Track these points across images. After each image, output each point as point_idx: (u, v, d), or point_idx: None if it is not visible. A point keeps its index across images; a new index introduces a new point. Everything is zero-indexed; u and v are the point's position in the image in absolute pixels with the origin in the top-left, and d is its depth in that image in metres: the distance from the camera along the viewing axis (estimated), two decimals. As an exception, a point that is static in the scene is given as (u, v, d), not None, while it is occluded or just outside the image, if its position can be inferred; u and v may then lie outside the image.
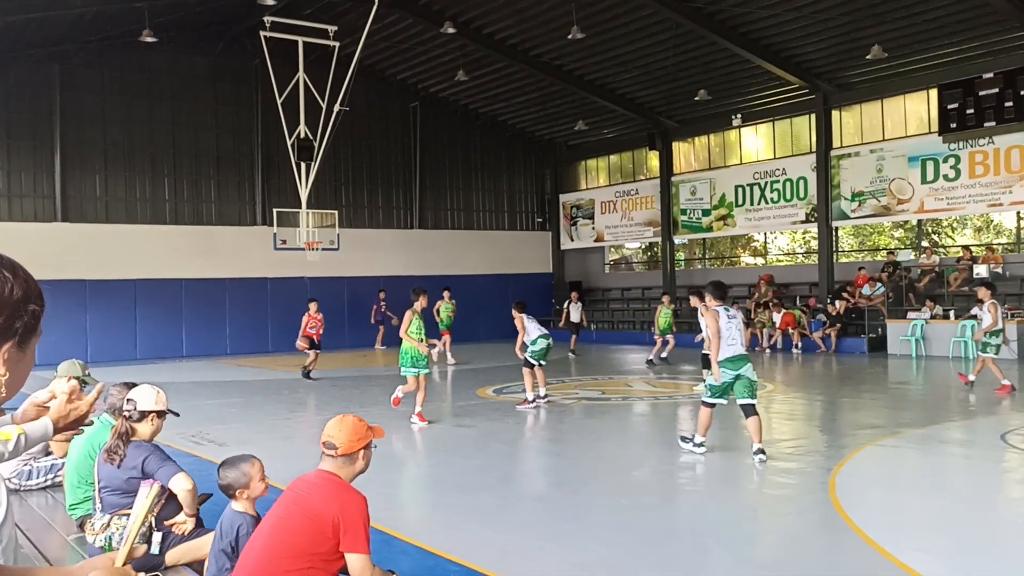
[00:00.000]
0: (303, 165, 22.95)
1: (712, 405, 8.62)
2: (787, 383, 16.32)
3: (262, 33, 21.51)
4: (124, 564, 2.29)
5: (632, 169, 30.53)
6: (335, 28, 22.08)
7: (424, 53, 25.74)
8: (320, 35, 22.20)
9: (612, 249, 33.09)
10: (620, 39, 23.27)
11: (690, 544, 6.04)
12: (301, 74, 22.36)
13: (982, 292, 13.56)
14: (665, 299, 20.70)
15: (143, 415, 4.82)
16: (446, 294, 22.18)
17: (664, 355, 19.85)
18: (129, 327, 24.15)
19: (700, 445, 8.70)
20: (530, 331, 12.76)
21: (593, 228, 31.32)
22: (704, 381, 8.83)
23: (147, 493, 4.41)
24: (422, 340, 11.01)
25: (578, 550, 6.02)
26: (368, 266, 27.77)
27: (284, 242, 23.39)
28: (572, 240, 32.24)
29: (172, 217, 25.12)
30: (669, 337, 19.83)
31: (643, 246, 32.70)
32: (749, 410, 8.41)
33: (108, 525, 4.70)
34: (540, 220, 32.56)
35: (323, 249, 23.54)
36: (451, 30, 21.53)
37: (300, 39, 22.13)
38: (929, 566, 5.26)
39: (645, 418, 12.62)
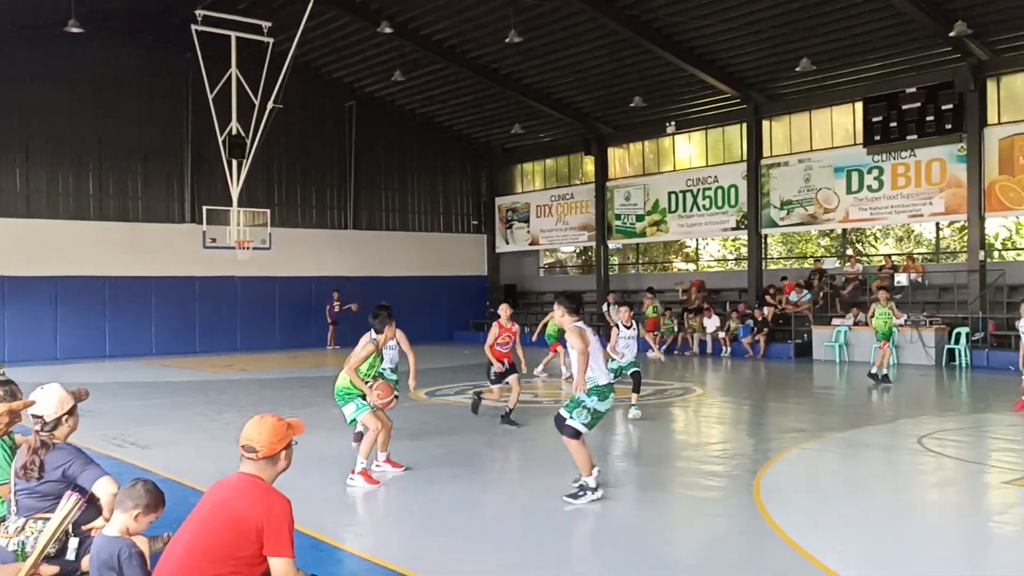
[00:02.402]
0: (235, 162, 22.56)
1: (580, 434, 7.12)
2: (716, 387, 16.61)
3: (194, 27, 21.05)
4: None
5: (568, 173, 30.74)
6: (269, 24, 21.75)
7: (361, 52, 25.53)
8: (254, 30, 21.84)
9: (547, 253, 33.25)
10: (557, 44, 23.41)
11: (616, 547, 6.09)
12: (234, 70, 21.97)
13: None
14: (611, 297, 19.88)
15: (56, 423, 4.66)
16: None
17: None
18: (49, 325, 23.40)
19: (596, 489, 7.08)
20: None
21: (528, 231, 31.43)
22: (582, 404, 7.05)
23: (66, 505, 4.27)
24: (368, 383, 8.11)
25: (506, 553, 6.03)
26: (301, 266, 27.41)
27: (214, 240, 22.94)
28: (507, 243, 32.30)
29: (97, 212, 24.42)
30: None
31: (577, 250, 32.93)
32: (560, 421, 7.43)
33: (23, 529, 4.53)
34: (475, 223, 32.55)
35: (254, 248, 23.16)
36: (388, 30, 21.38)
37: (233, 34, 21.74)
38: (848, 568, 5.39)
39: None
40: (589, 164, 29.37)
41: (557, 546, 6.08)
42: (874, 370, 15.91)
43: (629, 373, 11.88)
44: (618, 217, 28.53)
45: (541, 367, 17.60)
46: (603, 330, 18.96)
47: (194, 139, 25.31)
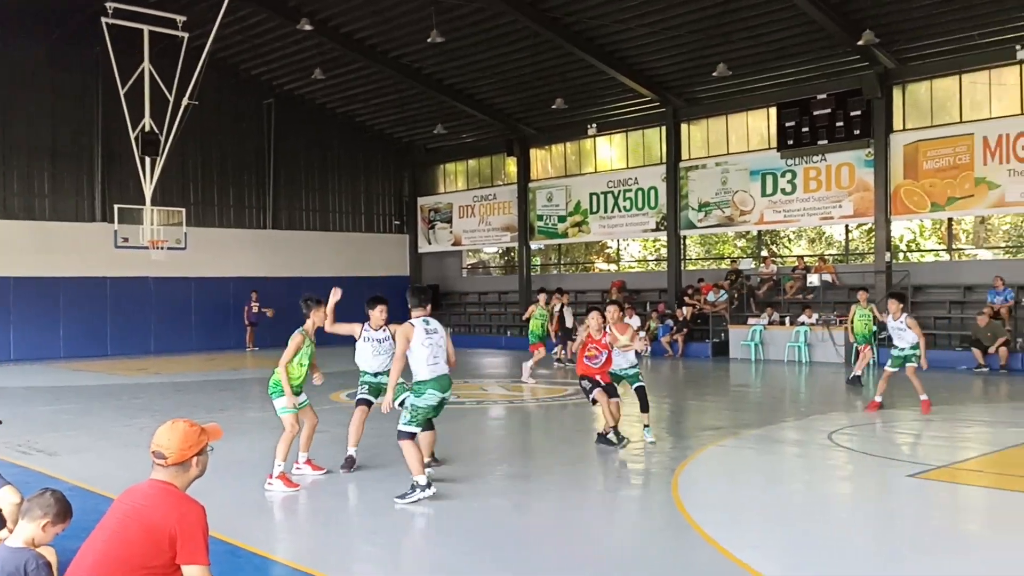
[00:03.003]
0: (148, 160, 21.92)
1: (412, 435, 7.19)
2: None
3: (104, 20, 20.40)
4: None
5: (490, 174, 30.80)
6: (184, 19, 21.23)
7: (280, 49, 25.10)
8: (168, 24, 21.28)
9: (470, 253, 33.25)
10: (479, 45, 23.44)
11: (536, 546, 6.13)
12: (147, 64, 21.36)
13: (893, 305, 12.14)
14: (540, 298, 18.13)
15: None
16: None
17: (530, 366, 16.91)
18: (-51, 328, 22.39)
19: (426, 487, 7.03)
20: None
21: (451, 232, 31.38)
22: (406, 405, 7.28)
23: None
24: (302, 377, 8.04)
25: (425, 553, 6.01)
26: (218, 267, 26.82)
27: (126, 240, 22.26)
28: (430, 243, 32.19)
29: (1, 211, 23.46)
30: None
31: (500, 251, 33.01)
32: (428, 425, 7.69)
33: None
34: (397, 223, 32.36)
35: (169, 248, 22.56)
36: (308, 27, 21.08)
37: (146, 28, 21.12)
38: (763, 561, 5.54)
39: (499, 422, 12.73)
40: (511, 165, 29.49)
41: (482, 547, 6.08)
42: (857, 373, 15.78)
43: (633, 388, 10.03)
44: (540, 218, 28.71)
45: (527, 374, 16.49)
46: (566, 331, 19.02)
47: (105, 136, 24.52)
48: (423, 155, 32.13)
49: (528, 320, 17.14)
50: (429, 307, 7.55)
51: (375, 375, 8.52)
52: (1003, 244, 24.36)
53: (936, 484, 7.83)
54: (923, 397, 11.78)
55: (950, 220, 22.25)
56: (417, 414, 7.19)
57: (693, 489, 7.58)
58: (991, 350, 17.85)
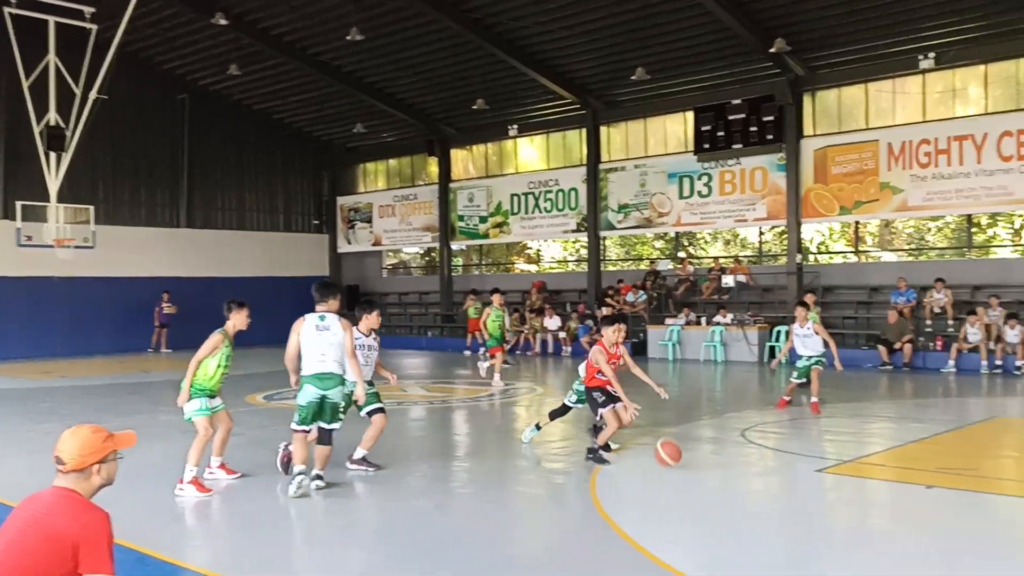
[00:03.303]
0: (53, 156, 21.12)
1: (306, 431, 7.27)
2: (557, 386, 16.95)
3: (7, 9, 19.58)
4: None
5: (411, 174, 30.64)
6: (93, 10, 20.53)
7: (194, 44, 24.50)
8: (75, 16, 20.54)
9: (390, 253, 33.01)
10: (400, 44, 23.29)
11: (457, 547, 6.11)
12: (52, 56, 20.59)
13: (800, 312, 12.14)
14: (496, 298, 16.50)
15: None
16: None
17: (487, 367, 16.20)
18: None
19: (300, 475, 7.17)
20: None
21: (371, 232, 31.10)
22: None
23: None
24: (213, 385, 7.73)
25: (346, 558, 5.94)
26: (129, 266, 26.01)
27: (29, 238, 21.40)
28: (349, 243, 31.85)
29: None
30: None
31: (421, 251, 32.86)
32: (325, 436, 7.41)
33: None
34: (316, 222, 31.92)
35: (76, 247, 21.76)
36: (223, 22, 20.62)
37: (51, 18, 20.36)
38: (679, 558, 5.64)
39: (418, 423, 12.66)
40: (432, 165, 29.38)
41: (401, 549, 6.04)
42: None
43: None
44: (461, 218, 28.68)
45: (496, 376, 15.73)
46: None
47: (7, 130, 23.54)
48: (343, 154, 31.77)
49: (484, 323, 16.19)
50: (333, 303, 7.46)
51: (369, 383, 8.21)
52: (906, 246, 25.35)
53: (843, 478, 8.09)
54: (814, 399, 11.83)
55: (857, 223, 23.05)
56: (300, 412, 7.27)
57: (611, 488, 7.67)
58: (897, 346, 18.55)
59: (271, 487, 7.73)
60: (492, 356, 15.96)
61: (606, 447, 8.84)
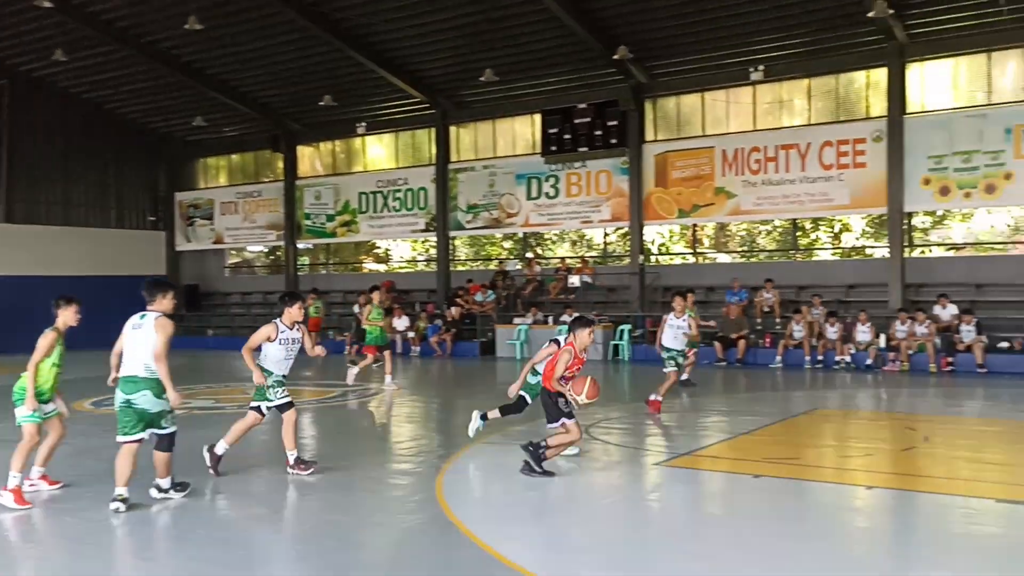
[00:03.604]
0: None
1: (132, 442, 6.83)
2: (406, 386, 16.84)
3: None
4: None
5: (255, 170, 29.71)
6: None
7: (15, 26, 22.84)
8: None
9: (233, 252, 31.89)
10: (243, 35, 22.54)
11: (298, 553, 5.96)
12: None
13: (679, 303, 12.12)
14: (374, 296, 15.73)
15: None
16: None
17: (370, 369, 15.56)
18: None
19: (118, 501, 6.75)
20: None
21: (212, 229, 29.95)
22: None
23: None
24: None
25: (173, 568, 5.66)
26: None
27: None
28: (189, 241, 30.56)
29: None
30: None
31: (266, 250, 31.91)
32: (161, 442, 6.99)
33: None
34: (153, 219, 30.45)
35: None
36: (47, 4, 19.31)
37: None
38: (522, 553, 5.70)
39: (261, 427, 12.24)
40: (278, 161, 28.61)
41: (239, 558, 5.82)
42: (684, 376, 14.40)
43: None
44: (308, 217, 28.07)
45: (352, 372, 15.42)
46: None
47: None
48: (181, 148, 30.43)
49: (365, 319, 15.62)
50: (164, 302, 7.07)
51: (284, 377, 8.16)
52: (739, 249, 26.71)
53: (679, 470, 8.42)
54: (658, 397, 11.85)
55: (695, 226, 24.11)
56: (118, 420, 6.86)
57: (458, 487, 7.68)
58: (733, 337, 19.51)
59: (98, 499, 7.28)
60: (365, 355, 15.62)
61: (541, 458, 7.85)
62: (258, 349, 8.09)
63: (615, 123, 22.27)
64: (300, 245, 28.84)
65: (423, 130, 26.24)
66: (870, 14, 17.61)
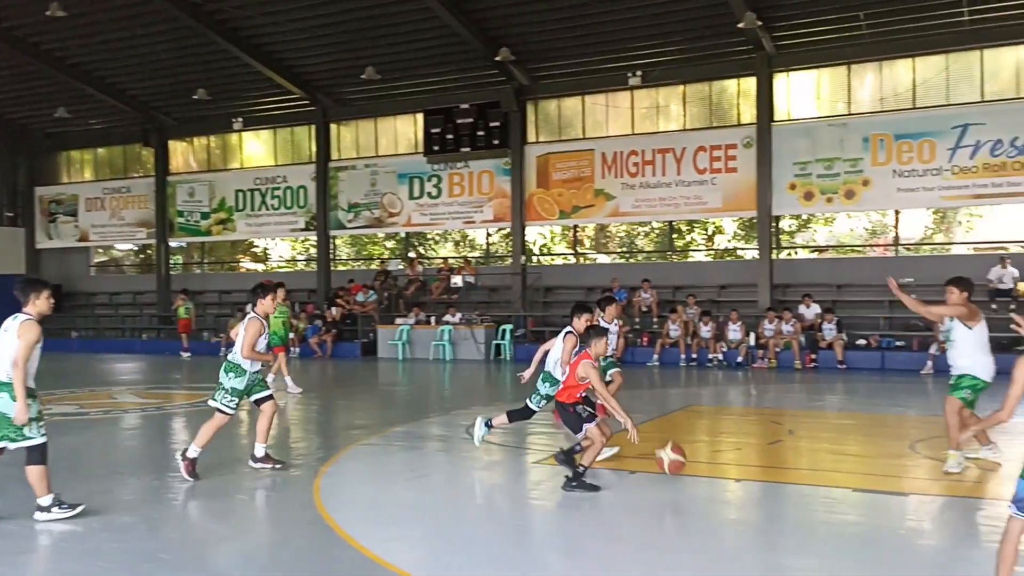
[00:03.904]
0: None
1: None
2: (279, 388, 16.46)
3: None
4: None
5: (124, 165, 28.47)
6: None
7: None
8: None
9: (100, 250, 30.45)
10: (110, 24, 21.57)
11: (170, 563, 5.73)
12: None
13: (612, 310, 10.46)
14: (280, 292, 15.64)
15: None
16: None
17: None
18: None
19: (51, 509, 6.52)
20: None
21: (76, 226, 28.53)
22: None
23: None
24: None
25: (38, 587, 5.36)
26: None
27: None
28: (50, 238, 29.02)
29: None
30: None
31: (136, 248, 30.61)
32: (29, 456, 6.44)
33: None
34: (11, 215, 28.74)
35: None
36: None
37: None
38: (401, 555, 5.66)
39: (131, 433, 11.75)
40: (148, 156, 27.50)
41: (107, 570, 5.55)
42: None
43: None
44: (181, 214, 27.09)
45: (289, 382, 14.60)
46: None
47: None
48: (42, 140, 28.84)
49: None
50: (37, 303, 6.66)
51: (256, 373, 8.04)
52: (619, 250, 27.32)
53: (558, 468, 8.53)
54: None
55: (575, 227, 24.51)
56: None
57: (336, 489, 7.56)
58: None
59: (-54, 513, 6.81)
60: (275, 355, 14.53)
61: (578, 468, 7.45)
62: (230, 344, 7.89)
63: (497, 124, 22.43)
64: (173, 244, 27.81)
65: (303, 127, 25.73)
66: (740, 25, 18.33)
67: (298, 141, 26.06)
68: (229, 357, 8.04)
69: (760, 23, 18.53)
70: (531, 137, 23.01)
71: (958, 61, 19.12)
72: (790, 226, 24.40)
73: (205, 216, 26.78)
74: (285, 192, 25.85)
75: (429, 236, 29.10)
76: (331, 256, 25.91)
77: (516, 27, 20.70)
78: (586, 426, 7.56)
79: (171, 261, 28.06)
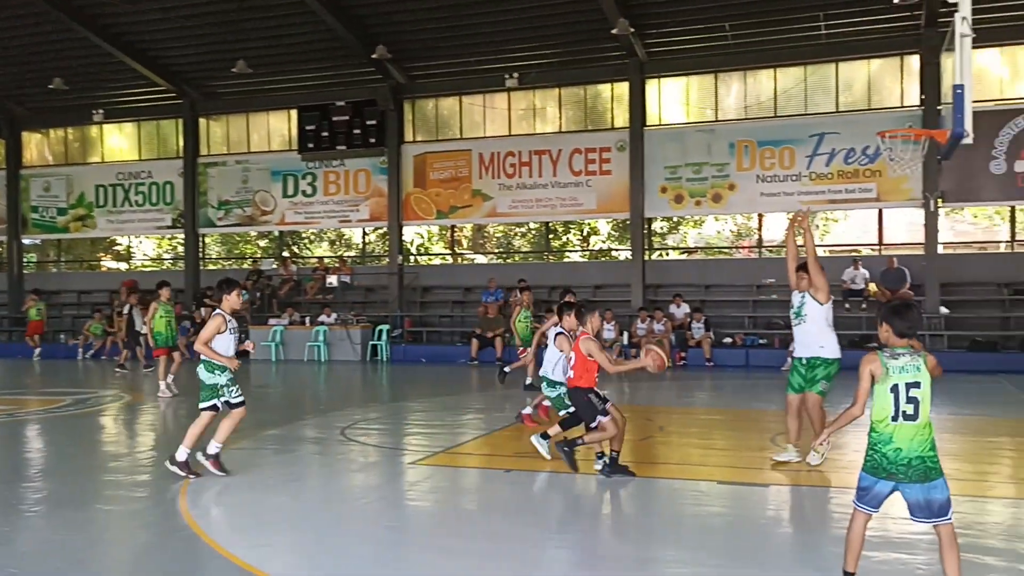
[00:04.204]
0: None
1: None
2: (147, 393, 15.82)
3: None
4: None
5: (-29, 157, 26.69)
6: None
7: None
8: None
9: (-57, 247, 28.44)
10: (-45, 5, 20.17)
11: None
12: None
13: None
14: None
15: None
16: None
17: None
18: None
19: None
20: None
21: (-83, 222, 26.56)
22: None
23: None
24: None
25: None
26: None
27: None
28: None
29: None
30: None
31: (-16, 245, 28.74)
32: None
33: None
34: None
35: None
36: None
37: None
38: (269, 561, 5.52)
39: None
40: (-1, 148, 25.88)
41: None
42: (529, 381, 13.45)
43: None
44: (35, 210, 25.63)
45: (166, 382, 14.08)
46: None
47: None
48: None
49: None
50: None
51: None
52: (496, 250, 27.50)
53: (435, 468, 8.53)
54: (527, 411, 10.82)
55: (453, 227, 24.53)
56: None
57: (204, 495, 7.30)
58: (490, 335, 20.02)
59: None
60: (157, 360, 13.99)
61: (569, 449, 7.71)
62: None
63: (374, 123, 22.21)
64: (26, 241, 26.24)
65: (169, 120, 24.77)
66: (614, 31, 18.77)
67: (164, 135, 25.06)
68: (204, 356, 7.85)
69: (633, 30, 19.02)
70: (408, 136, 22.88)
71: (815, 73, 20.16)
72: (661, 228, 25.16)
73: (62, 212, 25.40)
74: (150, 188, 24.82)
75: (304, 235, 28.53)
76: (200, 255, 25.02)
77: (393, 25, 20.54)
78: (600, 418, 7.62)
79: (24, 259, 26.47)
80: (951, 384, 14.23)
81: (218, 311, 7.82)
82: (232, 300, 7.92)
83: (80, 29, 20.75)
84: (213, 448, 7.89)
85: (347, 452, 9.47)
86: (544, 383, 9.05)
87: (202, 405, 7.81)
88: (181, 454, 7.74)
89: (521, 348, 13.93)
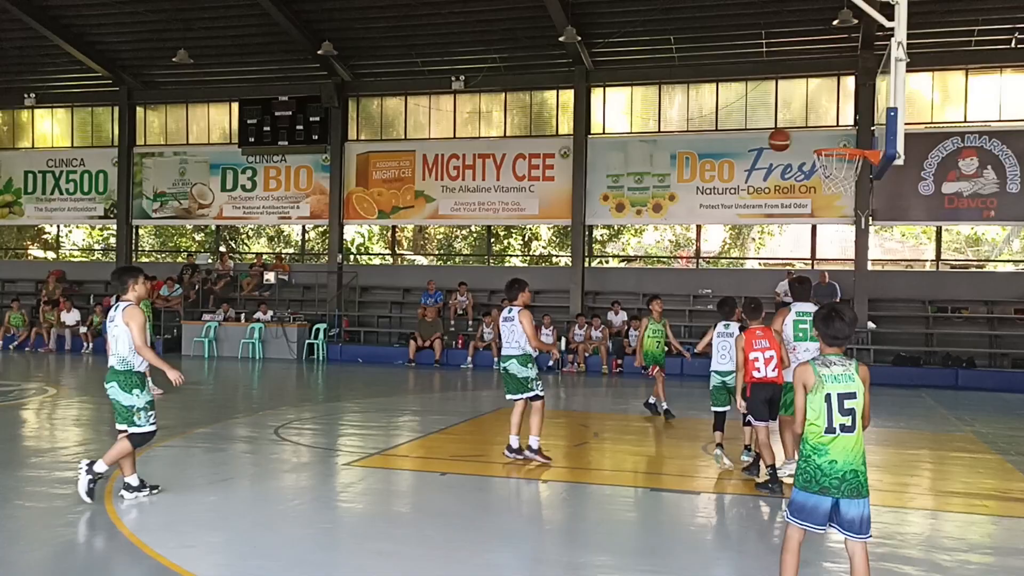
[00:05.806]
0: None
1: None
2: (75, 387, 15.41)
3: None
4: None
5: None
6: None
7: None
8: None
9: None
10: None
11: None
12: None
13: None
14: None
15: None
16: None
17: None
18: None
19: None
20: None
21: None
22: None
23: None
24: None
25: None
26: None
27: None
28: None
29: None
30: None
31: (-96, 230, 27.61)
32: None
33: None
34: None
35: None
36: None
37: None
38: (199, 562, 5.42)
39: None
40: (-78, 129, 24.94)
41: None
42: (652, 400, 12.70)
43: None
44: (-40, 194, 24.75)
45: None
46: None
47: None
48: None
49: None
50: None
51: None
52: (437, 252, 27.42)
53: (369, 470, 8.47)
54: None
55: (394, 227, 24.39)
56: None
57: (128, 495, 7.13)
58: (427, 344, 19.92)
59: None
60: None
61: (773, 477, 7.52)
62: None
63: (317, 119, 22.00)
64: (-52, 226, 25.34)
65: (105, 108, 24.16)
66: (561, 39, 18.89)
67: (99, 123, 24.43)
68: (115, 366, 6.93)
69: (579, 38, 19.17)
70: (352, 134, 22.69)
71: (756, 89, 20.58)
72: (602, 235, 25.37)
73: (-12, 198, 24.59)
74: (82, 176, 24.17)
75: (242, 231, 28.08)
76: (133, 247, 24.45)
77: (340, 22, 20.36)
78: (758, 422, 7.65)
79: (-54, 245, 25.57)
80: (875, 397, 14.64)
81: (128, 303, 6.89)
82: (139, 289, 7.02)
83: (13, 10, 20.12)
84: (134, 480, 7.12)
85: (280, 452, 9.35)
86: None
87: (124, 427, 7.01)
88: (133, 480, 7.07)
89: (653, 367, 12.38)
